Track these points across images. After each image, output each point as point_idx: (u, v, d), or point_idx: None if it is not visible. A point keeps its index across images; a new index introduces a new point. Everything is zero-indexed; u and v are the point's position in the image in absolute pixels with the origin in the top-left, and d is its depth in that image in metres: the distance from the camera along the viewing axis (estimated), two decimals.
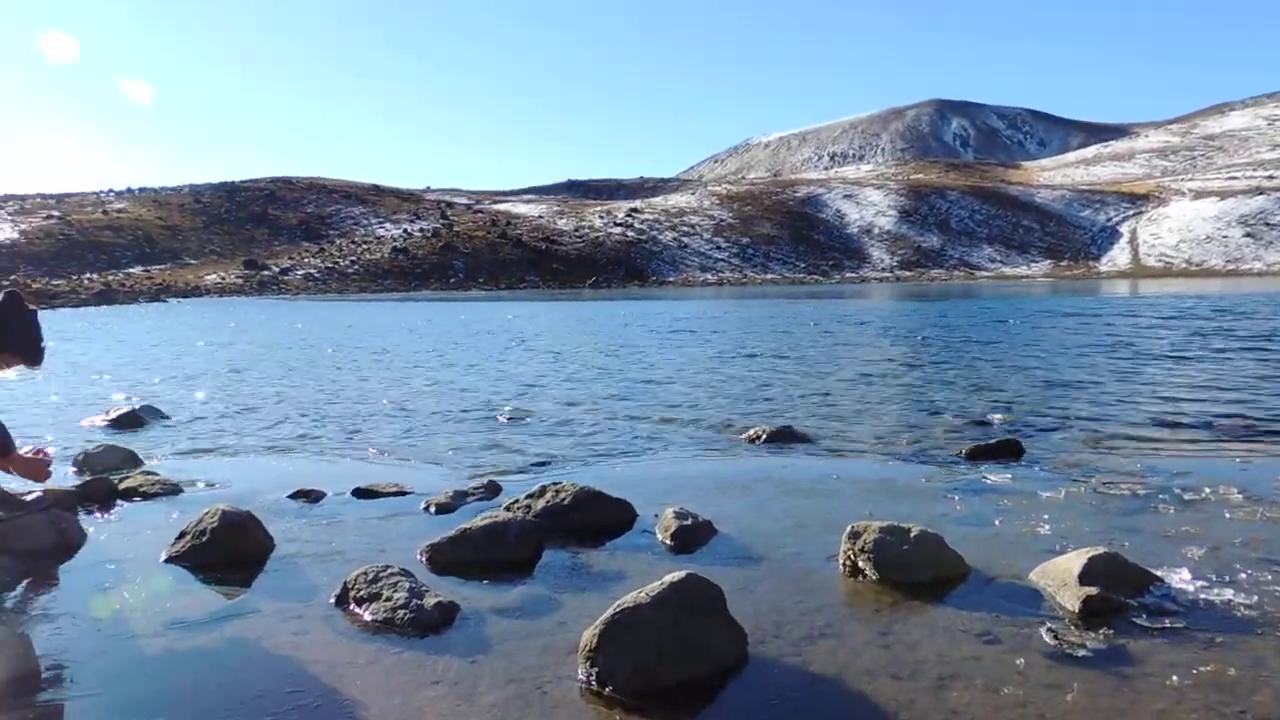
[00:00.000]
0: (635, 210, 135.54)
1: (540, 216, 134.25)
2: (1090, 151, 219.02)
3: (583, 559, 3.79)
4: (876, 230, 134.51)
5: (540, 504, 4.24)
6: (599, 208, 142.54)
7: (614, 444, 6.62)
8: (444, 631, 2.96)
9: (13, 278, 66.19)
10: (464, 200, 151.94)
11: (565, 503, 4.22)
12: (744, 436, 6.70)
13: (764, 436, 6.59)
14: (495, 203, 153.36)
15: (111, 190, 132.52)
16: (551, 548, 3.87)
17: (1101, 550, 3.23)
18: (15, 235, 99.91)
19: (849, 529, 3.54)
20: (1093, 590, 3.02)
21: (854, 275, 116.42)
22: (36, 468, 4.41)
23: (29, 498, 4.17)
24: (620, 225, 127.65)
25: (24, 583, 3.49)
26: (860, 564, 3.42)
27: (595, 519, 4.21)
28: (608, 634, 2.54)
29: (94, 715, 2.44)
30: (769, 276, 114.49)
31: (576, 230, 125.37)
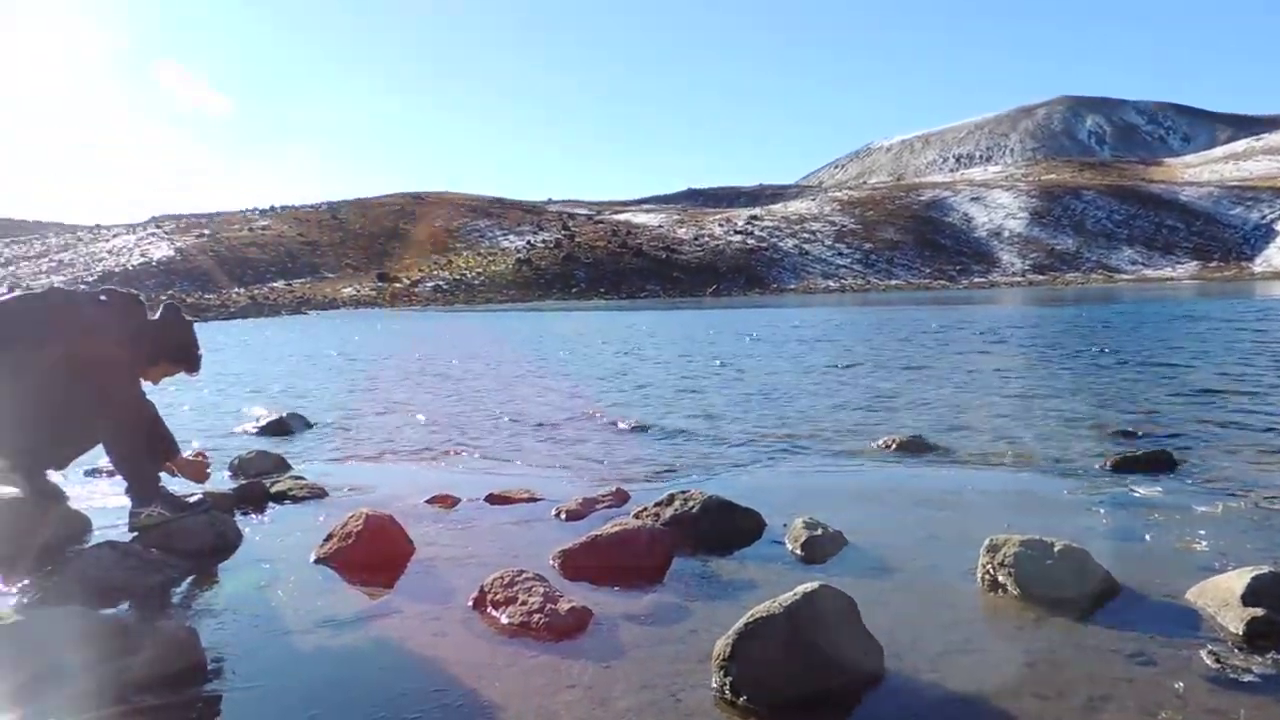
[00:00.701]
0: (755, 218, 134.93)
1: (660, 226, 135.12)
2: (1240, 145, 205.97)
3: (712, 567, 3.79)
4: (1006, 233, 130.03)
5: (669, 512, 4.27)
6: (719, 216, 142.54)
7: (739, 453, 6.60)
8: (578, 636, 3.01)
9: (170, 292, 70.68)
10: (585, 211, 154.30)
11: (694, 511, 4.24)
12: (873, 446, 6.59)
13: (894, 446, 6.45)
14: (615, 213, 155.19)
15: (256, 209, 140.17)
16: (681, 556, 3.89)
17: (1266, 569, 3.03)
18: (172, 253, 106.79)
19: (987, 542, 3.44)
20: (1258, 611, 2.84)
21: (983, 280, 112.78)
22: (197, 469, 4.74)
23: (191, 500, 4.45)
24: (740, 233, 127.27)
25: (189, 580, 3.72)
26: (1000, 578, 3.32)
27: (724, 528, 4.21)
28: (741, 643, 2.54)
29: (254, 705, 2.58)
30: (893, 282, 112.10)
31: (696, 239, 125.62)
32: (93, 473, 5.75)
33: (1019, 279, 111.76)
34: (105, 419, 4.21)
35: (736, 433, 7.46)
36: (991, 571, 3.35)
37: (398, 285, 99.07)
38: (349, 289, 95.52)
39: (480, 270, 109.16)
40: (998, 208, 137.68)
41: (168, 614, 3.34)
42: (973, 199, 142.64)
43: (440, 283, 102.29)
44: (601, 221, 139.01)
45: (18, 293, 4.39)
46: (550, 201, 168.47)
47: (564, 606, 3.13)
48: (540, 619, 3.07)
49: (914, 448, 6.41)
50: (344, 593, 3.57)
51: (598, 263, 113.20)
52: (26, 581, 3.60)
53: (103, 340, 4.17)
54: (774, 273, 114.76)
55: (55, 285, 4.47)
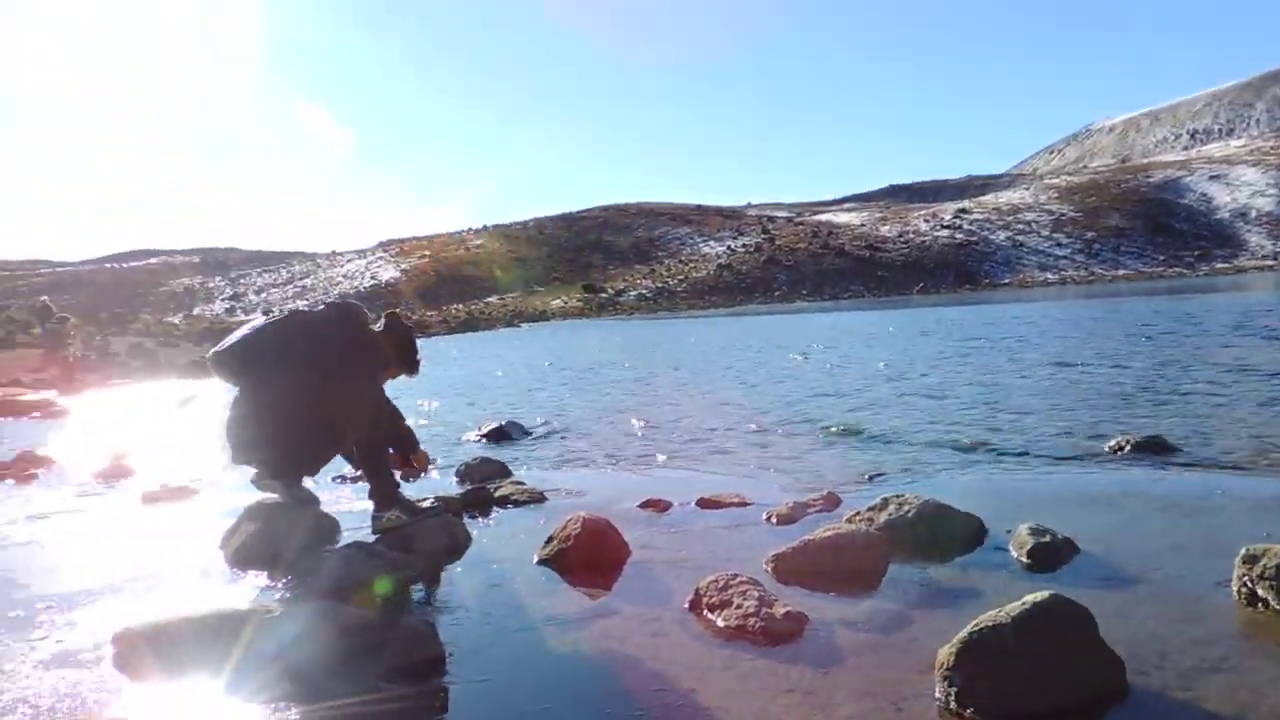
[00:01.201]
0: (964, 211, 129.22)
1: (862, 224, 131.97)
2: None
3: (930, 574, 3.68)
4: (1254, 213, 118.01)
5: (883, 517, 4.18)
6: (924, 211, 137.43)
7: (954, 456, 6.36)
8: (794, 641, 3.00)
9: (395, 310, 75.83)
10: (784, 213, 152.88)
11: (909, 515, 4.12)
12: (1104, 448, 6.17)
13: (1128, 447, 6.02)
14: (815, 214, 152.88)
15: (470, 228, 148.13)
16: (897, 562, 3.80)
17: None
18: (397, 274, 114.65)
19: (1243, 551, 3.14)
20: None
21: (1226, 265, 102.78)
22: (421, 461, 5.12)
23: (425, 504, 4.78)
24: (948, 227, 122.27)
25: (426, 578, 3.99)
26: (1259, 591, 3.03)
27: (942, 533, 4.06)
28: (966, 653, 2.45)
29: (489, 698, 2.74)
30: (1120, 272, 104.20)
31: (901, 235, 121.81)
32: (339, 479, 6.27)
33: (1271, 262, 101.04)
34: (355, 429, 4.59)
35: (951, 435, 7.18)
36: (1249, 584, 3.06)
37: (603, 296, 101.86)
38: (557, 301, 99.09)
39: (682, 277, 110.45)
40: (1242, 185, 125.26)
41: (409, 610, 3.60)
42: (1212, 177, 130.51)
43: (644, 291, 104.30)
44: (802, 223, 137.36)
45: (270, 316, 4.86)
46: (749, 205, 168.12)
47: (779, 610, 3.13)
48: (756, 622, 3.08)
49: (1152, 449, 5.96)
50: (566, 593, 3.72)
51: (799, 265, 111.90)
52: (287, 578, 3.98)
53: (346, 354, 4.56)
54: (985, 267, 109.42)
55: (298, 307, 4.92)
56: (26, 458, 7.98)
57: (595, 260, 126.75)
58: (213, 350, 4.73)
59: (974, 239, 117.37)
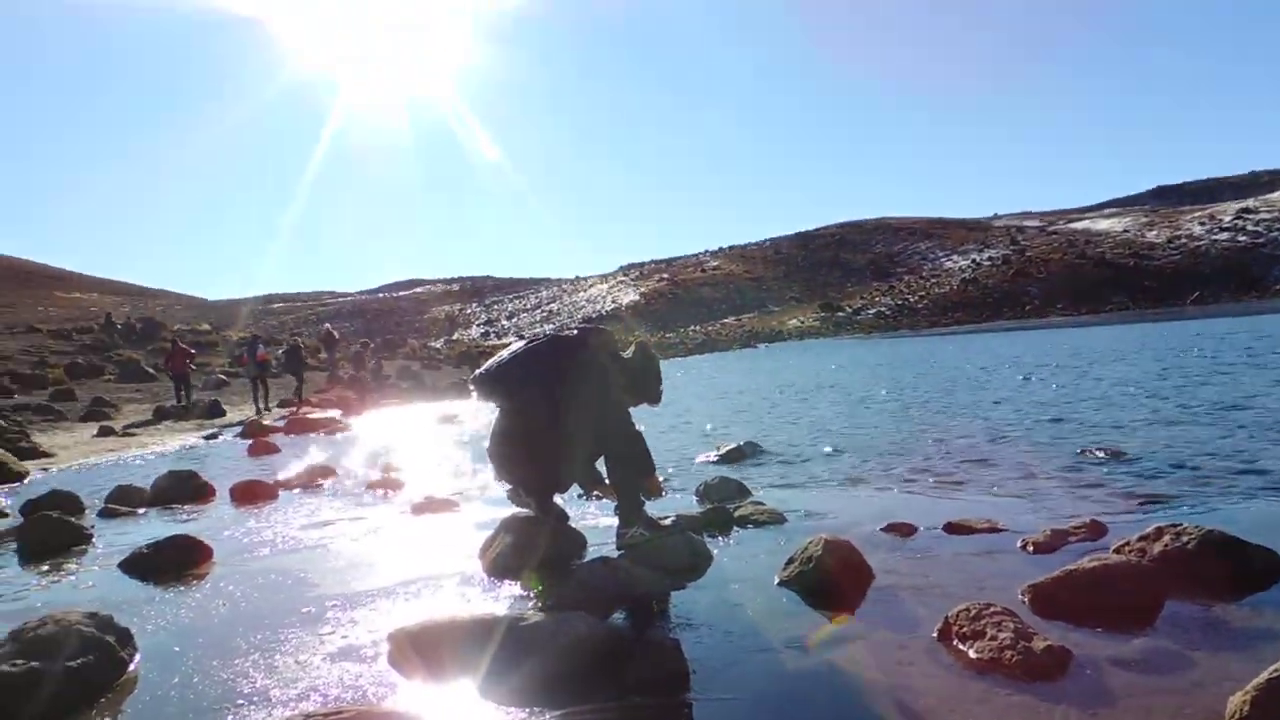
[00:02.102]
0: (1247, 210, 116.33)
1: (1125, 230, 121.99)
2: None
3: (1215, 613, 3.32)
4: None
5: (1157, 547, 3.82)
6: (1198, 213, 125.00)
7: (1239, 482, 5.71)
8: (1057, 678, 2.80)
9: (637, 332, 78.09)
10: (1035, 223, 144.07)
11: (1188, 547, 3.74)
12: None
13: None
14: (1070, 221, 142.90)
15: (707, 250, 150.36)
16: (1174, 598, 3.46)
17: None
18: (636, 297, 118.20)
19: None
20: None
21: None
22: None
23: (667, 521, 4.87)
24: (1227, 230, 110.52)
25: (670, 594, 4.07)
26: None
27: (1230, 567, 3.65)
28: (1265, 700, 2.19)
29: (730, 716, 2.75)
30: None
31: (1171, 241, 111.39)
32: (582, 496, 6.52)
33: None
34: (599, 449, 4.78)
35: (1231, 460, 6.46)
36: None
37: (840, 314, 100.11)
38: (794, 321, 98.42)
39: (923, 294, 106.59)
40: None
41: (654, 624, 3.69)
42: None
43: (883, 309, 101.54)
44: (1055, 232, 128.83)
45: (527, 340, 5.15)
46: (995, 216, 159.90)
47: (1039, 645, 2.93)
48: (1013, 656, 2.91)
49: None
50: (807, 616, 3.67)
51: (1052, 277, 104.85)
52: (539, 589, 4.19)
53: (593, 377, 4.75)
54: (1276, 272, 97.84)
55: (547, 332, 5.17)
56: (314, 470, 8.89)
57: (832, 278, 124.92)
58: (474, 374, 5.09)
59: (1260, 241, 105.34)
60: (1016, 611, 3.22)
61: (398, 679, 3.17)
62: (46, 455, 13.17)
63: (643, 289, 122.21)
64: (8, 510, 7.99)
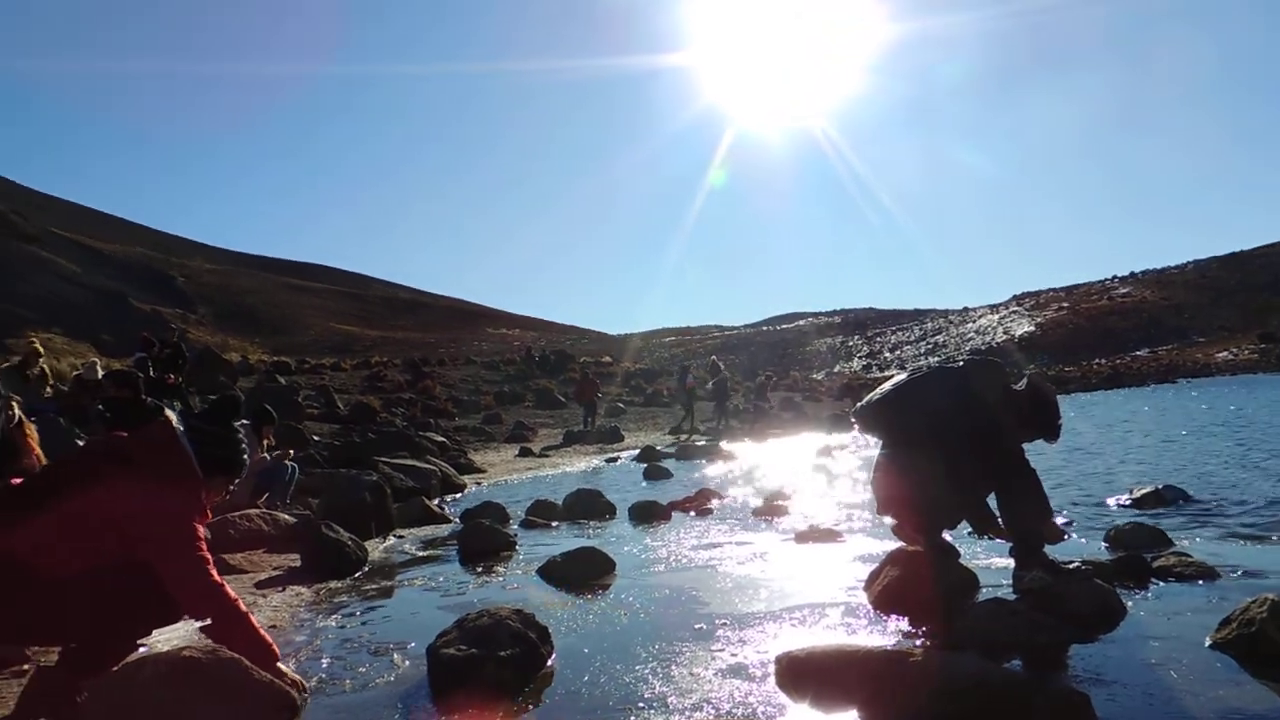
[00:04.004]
0: None
1: None
2: None
3: None
4: None
5: None
6: None
7: None
8: None
9: (1032, 366, 72.91)
10: None
11: None
12: None
13: None
14: None
15: (1115, 276, 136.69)
16: None
17: None
18: (1031, 328, 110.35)
19: None
20: None
21: None
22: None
23: (1071, 567, 4.49)
24: None
25: (1075, 645, 3.73)
26: None
27: None
28: None
29: None
30: None
31: None
32: (972, 534, 6.18)
33: None
34: (995, 485, 4.53)
35: None
36: None
37: None
38: (1223, 354, 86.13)
39: None
40: None
41: (1056, 675, 3.40)
42: None
43: None
44: None
45: (911, 372, 5.02)
46: None
47: None
48: None
49: None
50: (1250, 686, 3.18)
51: None
52: (926, 626, 4.03)
53: (983, 411, 4.52)
54: None
55: (931, 364, 5.01)
56: (704, 494, 9.31)
57: (1274, 304, 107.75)
58: (857, 406, 5.06)
59: None
60: None
61: (785, 701, 3.22)
62: (480, 471, 15.06)
63: (1038, 319, 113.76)
64: (451, 516, 9.25)
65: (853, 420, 5.13)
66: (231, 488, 3.53)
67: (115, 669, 3.10)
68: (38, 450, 4.75)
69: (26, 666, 3.79)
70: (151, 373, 13.64)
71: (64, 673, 3.02)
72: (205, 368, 25.33)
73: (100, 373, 8.31)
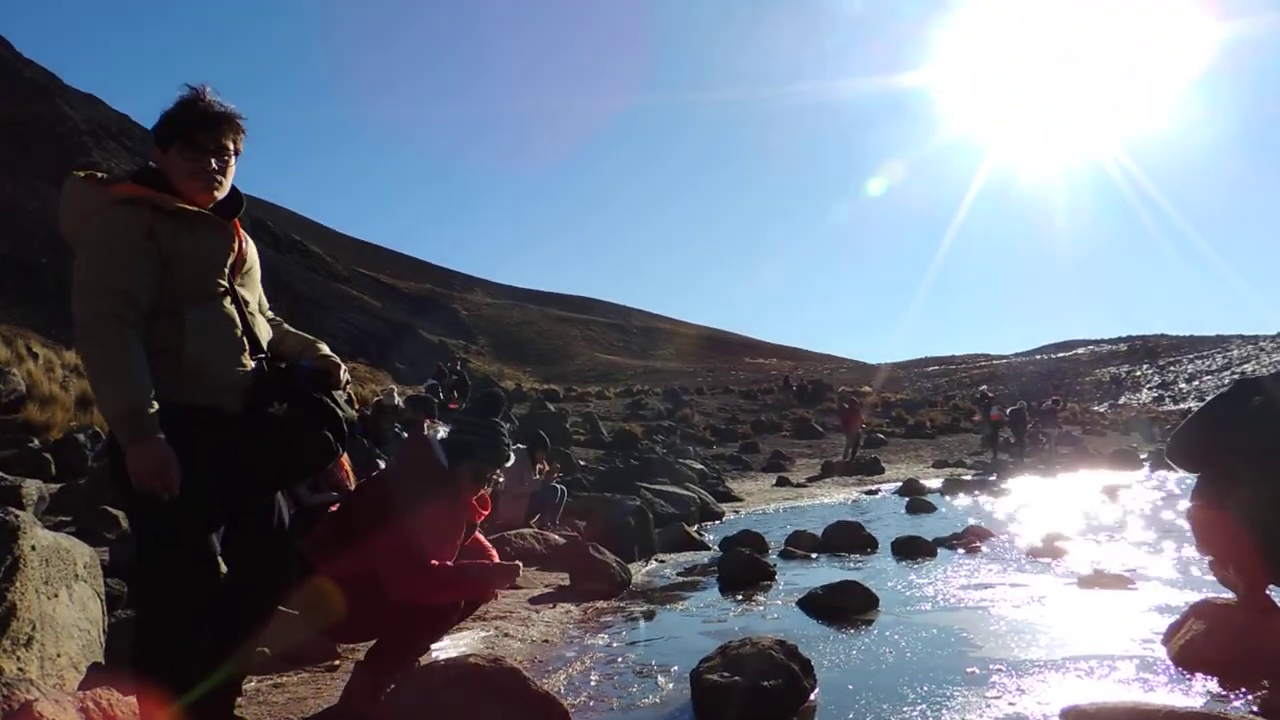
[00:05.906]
0: None
1: None
2: None
3: None
4: None
5: None
6: None
7: None
8: None
9: None
10: None
11: None
12: None
13: None
14: None
15: None
16: None
17: None
18: None
19: None
20: None
21: None
22: None
23: None
24: None
25: None
26: None
27: None
28: None
29: None
30: None
31: None
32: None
33: None
34: None
35: None
36: None
37: None
38: None
39: None
40: None
41: None
42: None
43: None
44: None
45: (1207, 401, 4.51)
46: None
47: None
48: None
49: None
50: None
51: None
52: (1242, 688, 3.59)
53: None
54: None
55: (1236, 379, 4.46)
56: (973, 530, 8.81)
57: None
58: (1168, 443, 4.61)
59: None
60: None
61: None
62: (737, 499, 15.12)
63: None
64: (710, 543, 9.34)
65: (1167, 460, 4.68)
66: (494, 477, 3.61)
67: (410, 672, 3.38)
68: (348, 468, 5.30)
69: (336, 661, 4.23)
70: (441, 397, 14.85)
71: (368, 674, 3.33)
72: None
73: (398, 399, 9.21)
